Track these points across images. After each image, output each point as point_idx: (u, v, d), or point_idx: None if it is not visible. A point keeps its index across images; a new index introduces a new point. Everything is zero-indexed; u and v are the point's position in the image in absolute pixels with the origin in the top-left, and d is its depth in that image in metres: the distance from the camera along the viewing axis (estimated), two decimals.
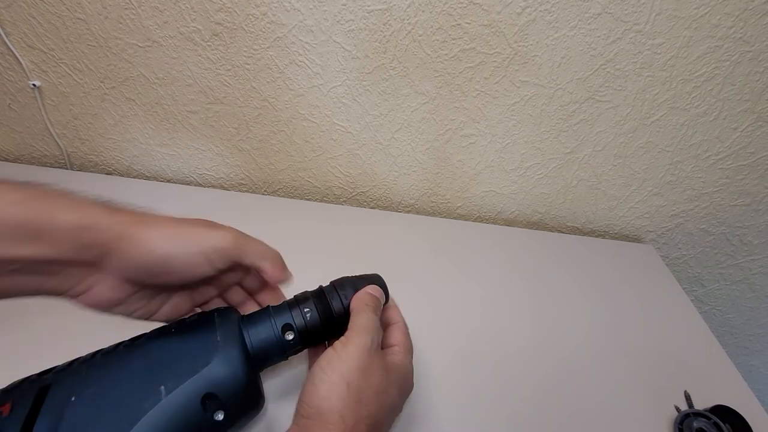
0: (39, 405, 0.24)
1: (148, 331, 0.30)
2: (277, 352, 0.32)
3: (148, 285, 0.28)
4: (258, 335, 0.31)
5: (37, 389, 0.25)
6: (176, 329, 0.30)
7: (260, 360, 0.31)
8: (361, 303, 0.33)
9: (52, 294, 0.25)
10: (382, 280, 0.37)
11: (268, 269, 0.31)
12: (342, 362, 0.28)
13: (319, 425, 0.25)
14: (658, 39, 0.49)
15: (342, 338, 0.30)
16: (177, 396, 0.26)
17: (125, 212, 0.27)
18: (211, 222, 0.30)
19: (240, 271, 0.34)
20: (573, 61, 0.51)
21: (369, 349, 0.29)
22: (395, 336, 0.34)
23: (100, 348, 0.29)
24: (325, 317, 0.34)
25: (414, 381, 0.34)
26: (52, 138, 0.64)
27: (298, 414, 0.27)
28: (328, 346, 0.34)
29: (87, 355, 0.28)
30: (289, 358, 0.34)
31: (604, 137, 0.58)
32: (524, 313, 0.51)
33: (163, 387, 0.26)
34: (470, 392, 0.41)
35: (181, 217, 0.29)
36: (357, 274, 0.37)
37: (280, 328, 0.32)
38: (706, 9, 0.47)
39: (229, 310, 0.32)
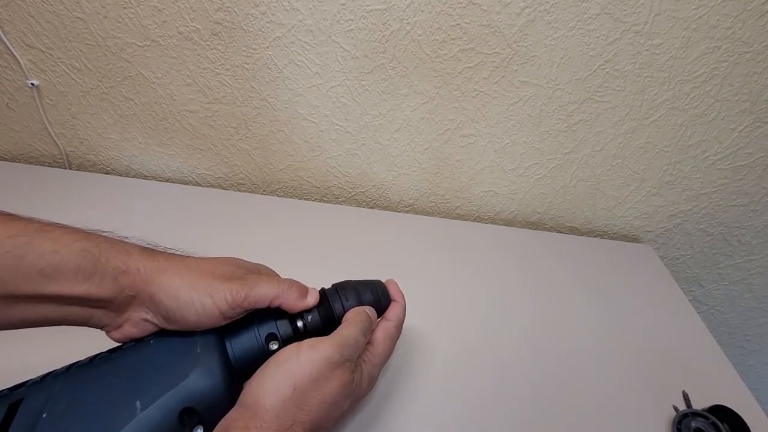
0: (9, 421, 0.23)
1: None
2: (261, 363, 0.31)
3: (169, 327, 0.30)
4: (241, 345, 0.30)
5: (8, 405, 0.24)
6: (155, 341, 0.29)
7: (243, 371, 0.30)
8: (356, 317, 0.32)
9: (94, 326, 0.29)
10: (384, 286, 0.37)
11: (285, 307, 0.32)
12: (298, 365, 0.28)
13: (254, 419, 0.26)
14: (656, 39, 0.49)
15: (313, 340, 0.30)
16: (153, 411, 0.25)
17: (160, 258, 0.30)
18: (230, 271, 0.31)
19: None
20: (572, 62, 0.51)
21: (333, 362, 0.29)
22: (376, 334, 0.34)
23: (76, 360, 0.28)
24: (327, 319, 0.33)
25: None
26: (50, 137, 0.64)
27: (241, 400, 0.27)
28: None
29: (62, 368, 0.27)
30: None
31: (602, 137, 0.58)
32: (522, 313, 0.51)
33: (138, 402, 0.25)
34: (467, 392, 0.41)
35: (207, 261, 0.32)
36: (359, 279, 0.36)
37: (263, 338, 0.31)
38: (705, 10, 0.47)
39: None
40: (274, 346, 0.31)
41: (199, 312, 0.28)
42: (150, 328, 0.30)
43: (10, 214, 0.26)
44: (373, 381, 0.33)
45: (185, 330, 0.30)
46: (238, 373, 0.30)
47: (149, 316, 0.29)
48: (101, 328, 0.29)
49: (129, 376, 0.27)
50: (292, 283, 0.33)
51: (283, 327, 0.32)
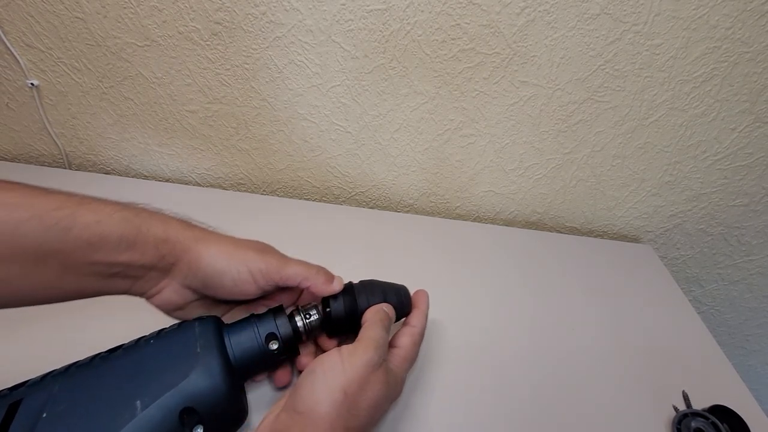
0: (9, 421, 0.23)
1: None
2: (261, 363, 0.31)
3: (205, 295, 0.32)
4: (241, 345, 0.30)
5: (8, 405, 0.24)
6: (155, 340, 0.29)
7: (244, 371, 0.31)
8: (376, 316, 0.33)
9: (135, 294, 0.31)
10: (407, 292, 0.38)
11: (313, 289, 0.33)
12: (344, 372, 0.28)
13: (310, 426, 0.26)
14: (656, 40, 0.49)
15: (350, 347, 0.30)
16: (153, 411, 0.25)
17: (197, 229, 0.32)
18: (264, 247, 0.34)
19: (293, 291, 0.37)
20: (572, 62, 0.51)
21: (374, 364, 0.30)
22: (403, 340, 0.35)
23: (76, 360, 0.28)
24: (350, 310, 0.34)
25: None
26: (50, 137, 0.64)
27: (291, 406, 0.28)
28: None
29: (62, 367, 0.27)
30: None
31: (602, 138, 0.58)
32: (522, 313, 0.51)
33: (138, 402, 0.25)
34: (468, 392, 0.41)
35: (242, 239, 0.34)
36: (385, 281, 0.37)
37: (263, 338, 0.31)
38: (705, 10, 0.47)
39: (212, 319, 0.31)
40: (274, 346, 0.31)
41: (235, 278, 0.30)
42: (188, 295, 0.31)
43: (48, 189, 0.28)
44: (403, 385, 0.34)
45: (222, 298, 0.31)
46: (238, 372, 0.30)
47: (188, 282, 0.30)
48: (141, 295, 0.31)
49: (129, 375, 0.27)
50: (320, 268, 0.35)
51: (283, 327, 0.32)
